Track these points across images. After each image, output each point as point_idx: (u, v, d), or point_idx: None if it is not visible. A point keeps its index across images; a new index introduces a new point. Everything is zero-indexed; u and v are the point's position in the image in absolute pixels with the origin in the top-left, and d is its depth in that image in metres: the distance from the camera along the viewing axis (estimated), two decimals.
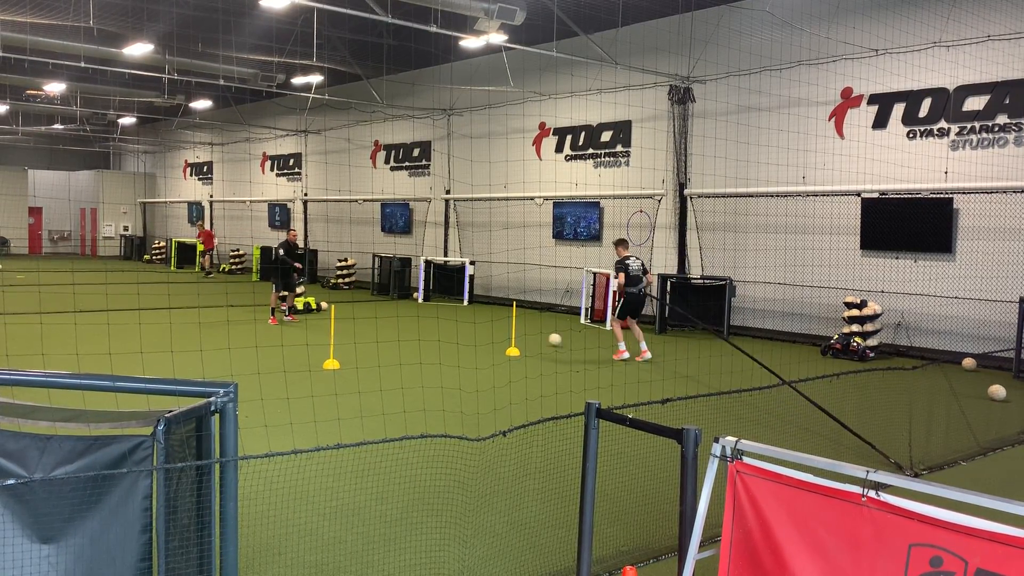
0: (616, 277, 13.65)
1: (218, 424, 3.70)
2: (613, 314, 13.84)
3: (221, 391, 3.68)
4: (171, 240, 35.86)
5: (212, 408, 3.67)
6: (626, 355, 13.46)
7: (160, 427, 3.32)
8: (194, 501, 3.63)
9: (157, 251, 39.03)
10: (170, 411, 3.45)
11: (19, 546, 3.38)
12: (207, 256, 32.11)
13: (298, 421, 8.11)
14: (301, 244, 29.12)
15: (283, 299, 18.35)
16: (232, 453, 3.69)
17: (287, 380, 10.00)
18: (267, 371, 9.55)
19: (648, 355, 13.45)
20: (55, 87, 27.11)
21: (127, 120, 35.80)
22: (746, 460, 3.59)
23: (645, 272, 13.85)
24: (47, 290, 20.23)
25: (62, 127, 36.42)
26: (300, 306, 19.38)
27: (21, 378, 4.05)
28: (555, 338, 14.95)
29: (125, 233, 43.56)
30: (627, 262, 13.59)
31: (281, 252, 17.77)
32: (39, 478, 3.37)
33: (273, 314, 17.73)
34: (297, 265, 17.83)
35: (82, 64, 20.17)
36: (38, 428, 3.59)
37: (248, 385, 9.14)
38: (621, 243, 14.05)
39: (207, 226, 37.53)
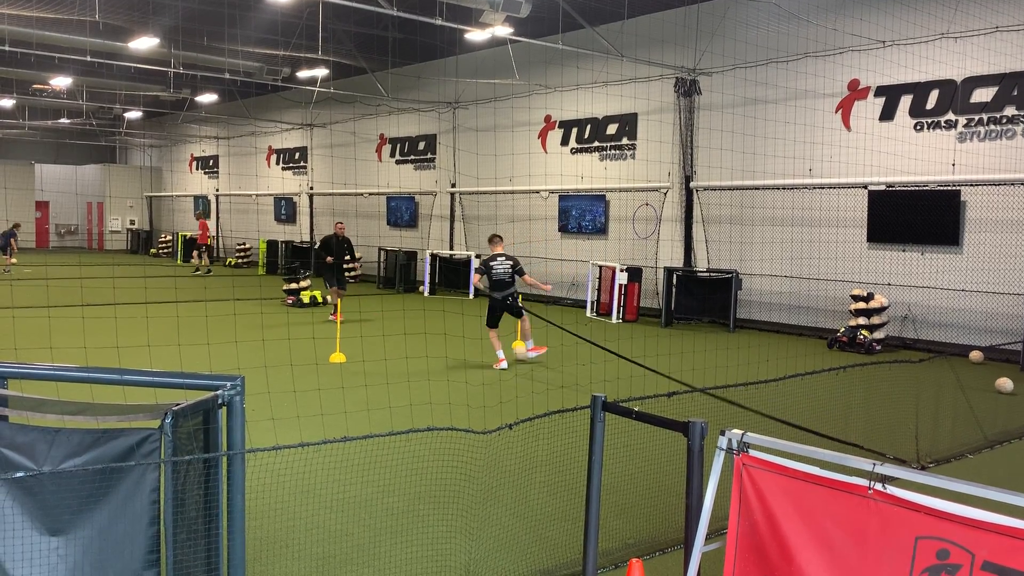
0: (473, 276, 12.33)
1: (225, 417, 3.71)
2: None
3: (228, 384, 3.70)
4: (177, 234, 35.93)
5: (219, 401, 3.68)
6: (504, 365, 11.87)
7: (168, 420, 3.34)
8: (201, 494, 3.65)
9: (164, 245, 39.12)
10: (177, 404, 3.46)
11: (28, 538, 3.40)
12: (201, 252, 29.86)
13: (305, 414, 8.14)
14: (307, 237, 29.05)
15: (290, 292, 18.39)
16: (239, 446, 3.70)
17: (294, 373, 10.03)
18: (274, 364, 9.57)
19: (535, 352, 12.12)
20: (61, 81, 27.16)
21: (133, 114, 35.84)
22: (752, 453, 3.59)
23: (518, 275, 12.02)
24: (55, 284, 20.30)
25: (68, 121, 36.49)
26: (307, 300, 19.39)
27: (30, 371, 4.07)
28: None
29: (131, 227, 43.66)
30: (491, 263, 11.86)
31: (316, 246, 17.13)
32: (48, 471, 3.39)
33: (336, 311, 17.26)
34: (329, 259, 16.97)
35: (88, 58, 20.21)
36: (46, 421, 3.60)
37: (255, 378, 9.18)
38: (493, 240, 12.38)
39: (208, 217, 37.28)
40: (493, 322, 11.97)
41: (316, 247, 17.14)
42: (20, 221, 32.94)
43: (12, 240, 29.00)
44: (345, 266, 17.74)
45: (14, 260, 28.42)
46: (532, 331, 12.32)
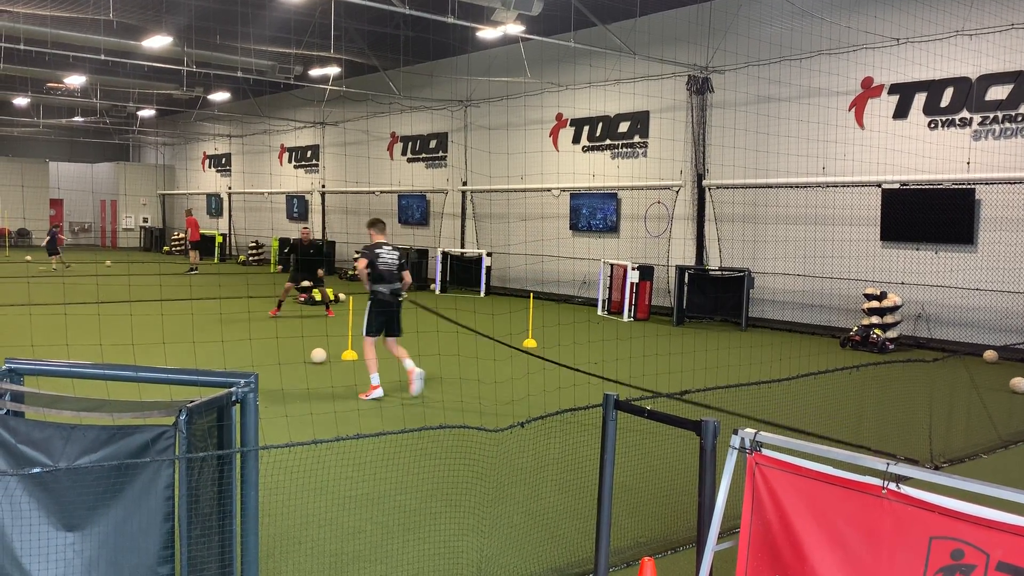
0: (357, 262, 10.10)
1: (239, 414, 3.73)
2: (364, 332, 9.86)
3: (242, 381, 3.71)
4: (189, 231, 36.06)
5: (233, 398, 3.70)
6: (379, 392, 9.62)
7: (182, 417, 3.36)
8: (215, 490, 3.67)
9: (176, 242, 39.31)
10: (192, 401, 3.48)
11: (44, 533, 3.43)
12: (187, 249, 29.24)
13: (317, 411, 8.17)
14: (316, 237, 29.15)
15: (302, 290, 18.45)
16: (253, 443, 3.72)
17: (307, 371, 10.07)
18: (287, 362, 9.61)
19: (416, 387, 9.65)
20: (75, 80, 27.32)
21: (146, 112, 36.03)
22: (765, 452, 3.58)
23: (402, 269, 10.10)
24: (70, 281, 20.44)
25: (82, 119, 36.71)
26: (319, 297, 19.45)
27: (46, 368, 4.10)
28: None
29: (145, 224, 43.90)
30: (378, 251, 9.89)
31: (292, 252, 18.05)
32: (64, 467, 3.41)
33: (321, 303, 17.88)
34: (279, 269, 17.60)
35: (102, 57, 20.33)
36: (62, 418, 3.63)
37: (268, 375, 9.22)
38: (375, 225, 10.32)
39: (214, 216, 37.27)
40: (376, 328, 9.76)
41: (285, 251, 17.92)
42: (34, 218, 33.06)
43: (60, 238, 28.97)
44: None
45: (61, 259, 28.40)
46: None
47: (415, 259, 24.32)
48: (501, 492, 6.08)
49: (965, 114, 14.43)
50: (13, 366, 3.99)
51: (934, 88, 14.79)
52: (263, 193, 35.47)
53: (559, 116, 21.99)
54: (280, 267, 18.06)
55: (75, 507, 3.43)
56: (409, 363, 9.72)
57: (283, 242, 30.49)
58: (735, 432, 3.70)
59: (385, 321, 9.83)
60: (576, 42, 16.80)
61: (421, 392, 9.66)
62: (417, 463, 6.52)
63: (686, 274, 17.68)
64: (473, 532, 5.36)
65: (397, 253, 10.11)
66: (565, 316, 16.79)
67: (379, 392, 9.60)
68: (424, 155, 26.96)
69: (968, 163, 14.33)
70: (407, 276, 10.20)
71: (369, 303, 9.78)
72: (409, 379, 9.65)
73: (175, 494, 3.42)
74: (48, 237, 28.33)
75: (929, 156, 14.69)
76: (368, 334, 9.73)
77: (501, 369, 11.33)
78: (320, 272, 18.08)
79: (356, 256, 9.30)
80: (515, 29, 16.81)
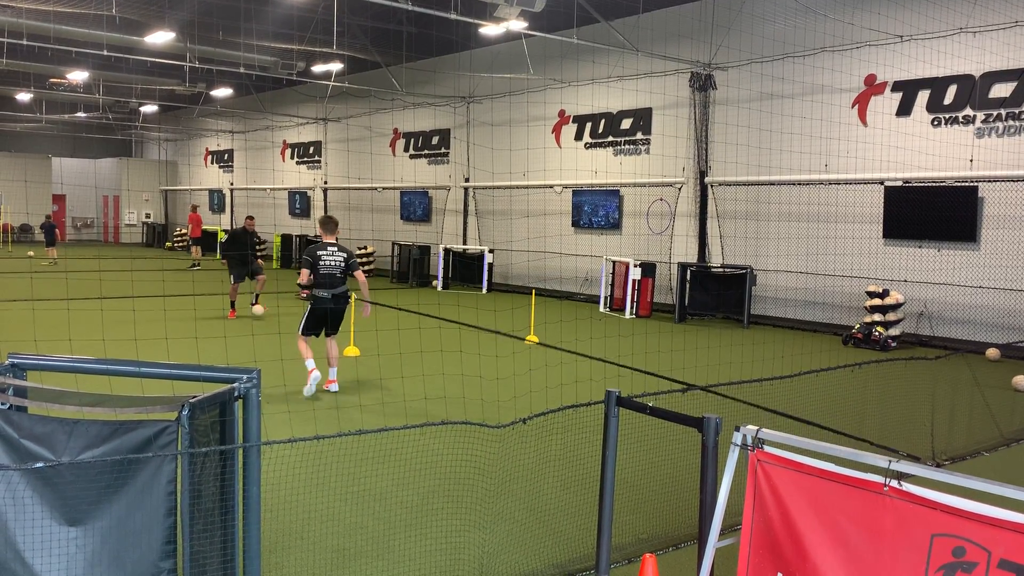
0: (300, 273, 9.53)
1: (241, 409, 3.73)
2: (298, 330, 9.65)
3: (244, 377, 3.72)
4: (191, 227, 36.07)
5: (236, 394, 3.70)
6: (317, 375, 9.34)
7: (185, 412, 3.36)
8: (218, 485, 3.68)
9: (179, 238, 39.34)
10: (194, 396, 3.48)
11: (47, 528, 3.44)
12: (189, 245, 29.34)
13: (320, 407, 8.17)
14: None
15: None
16: (255, 438, 3.72)
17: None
18: (289, 358, 9.61)
19: (308, 390, 9.24)
20: (78, 75, 27.32)
21: (149, 108, 36.05)
22: (767, 449, 3.58)
23: (350, 270, 9.53)
24: (73, 276, 20.45)
25: (85, 115, 36.74)
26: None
27: (49, 363, 4.11)
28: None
29: (147, 220, 43.93)
30: (320, 252, 9.41)
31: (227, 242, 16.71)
32: (66, 462, 3.42)
33: (232, 307, 16.22)
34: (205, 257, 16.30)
35: (104, 52, 20.33)
36: (65, 413, 3.64)
37: (271, 371, 9.22)
38: (325, 224, 9.76)
39: (216, 212, 37.20)
40: (309, 329, 9.56)
41: (223, 241, 16.46)
42: (37, 213, 33.13)
43: (56, 231, 29.08)
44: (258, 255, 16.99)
45: (54, 254, 28.50)
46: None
47: (417, 255, 24.34)
48: (503, 488, 6.09)
49: (968, 112, 14.41)
50: (16, 361, 4.00)
51: (937, 85, 14.76)
52: (266, 189, 35.48)
53: (562, 113, 21.97)
54: (223, 260, 16.83)
55: (78, 502, 3.43)
56: (333, 372, 9.52)
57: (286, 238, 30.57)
58: (737, 429, 3.70)
59: (321, 321, 9.55)
60: (579, 38, 16.78)
61: (312, 394, 9.27)
62: (419, 459, 6.52)
63: (688, 271, 17.68)
64: (475, 528, 5.36)
65: (344, 255, 9.52)
66: (567, 313, 16.79)
67: (317, 375, 9.30)
68: (426, 151, 26.95)
69: (971, 161, 14.31)
70: (360, 275, 9.68)
71: (308, 307, 9.42)
72: (315, 378, 9.29)
73: (177, 489, 3.43)
74: (45, 228, 28.44)
75: (932, 154, 14.67)
76: (303, 333, 9.53)
77: (503, 365, 11.33)
78: (260, 261, 16.89)
79: (303, 260, 9.24)
80: (518, 25, 16.79)
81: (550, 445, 6.39)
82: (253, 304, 16.27)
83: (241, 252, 16.09)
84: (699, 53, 18.18)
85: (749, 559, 3.60)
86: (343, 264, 9.45)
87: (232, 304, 16.18)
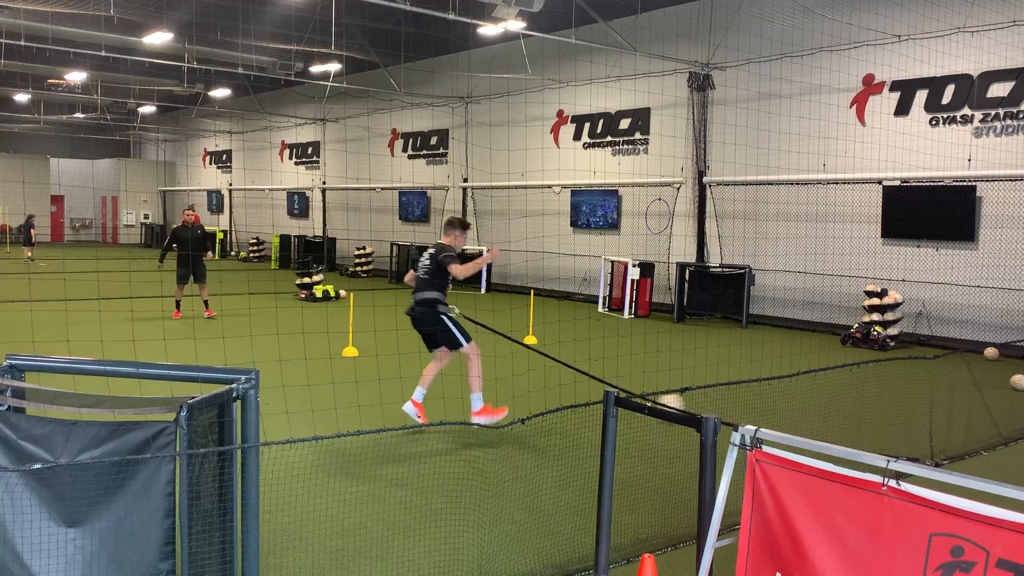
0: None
1: (240, 410, 3.73)
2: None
3: (243, 378, 3.72)
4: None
5: (234, 394, 3.70)
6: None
7: (183, 413, 3.36)
8: (216, 486, 3.67)
9: None
10: (193, 397, 3.48)
11: (45, 529, 3.43)
12: None
13: (318, 408, 8.17)
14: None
15: (303, 287, 18.40)
16: (254, 439, 3.72)
17: (307, 367, 10.06)
18: (288, 358, 9.60)
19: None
20: (76, 76, 27.30)
21: (147, 109, 36.01)
22: (766, 449, 3.59)
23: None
24: (71, 277, 20.44)
25: (83, 116, 36.70)
26: (319, 294, 19.45)
27: (47, 364, 4.11)
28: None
29: (145, 221, 43.90)
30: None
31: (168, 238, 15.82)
32: (64, 463, 3.42)
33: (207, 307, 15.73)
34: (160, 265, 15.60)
35: (103, 53, 20.31)
36: (63, 414, 3.63)
37: (269, 372, 9.22)
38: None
39: (215, 212, 37.00)
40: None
41: (165, 244, 15.44)
42: (35, 214, 33.16)
43: (32, 231, 29.21)
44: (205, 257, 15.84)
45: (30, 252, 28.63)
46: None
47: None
48: (501, 488, 6.09)
49: (966, 111, 14.42)
50: (14, 362, 3.99)
51: (935, 85, 14.77)
52: (264, 190, 35.46)
53: (560, 113, 21.97)
54: (160, 262, 15.56)
55: (76, 503, 3.43)
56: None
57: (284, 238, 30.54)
58: (735, 429, 3.70)
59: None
60: (577, 38, 16.77)
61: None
62: (418, 459, 6.52)
63: (687, 271, 17.68)
64: (473, 529, 5.36)
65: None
66: (566, 313, 16.80)
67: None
68: (425, 151, 26.95)
69: (969, 160, 14.32)
70: (453, 269, 8.58)
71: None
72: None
73: (176, 490, 3.43)
74: (23, 227, 28.54)
75: (930, 153, 14.68)
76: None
77: (502, 365, 11.33)
78: (209, 254, 16.18)
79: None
80: (516, 25, 16.78)
81: (549, 445, 6.39)
82: (206, 312, 15.59)
83: (184, 252, 15.13)
84: (697, 53, 18.19)
85: (748, 559, 3.60)
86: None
87: (177, 304, 15.43)
